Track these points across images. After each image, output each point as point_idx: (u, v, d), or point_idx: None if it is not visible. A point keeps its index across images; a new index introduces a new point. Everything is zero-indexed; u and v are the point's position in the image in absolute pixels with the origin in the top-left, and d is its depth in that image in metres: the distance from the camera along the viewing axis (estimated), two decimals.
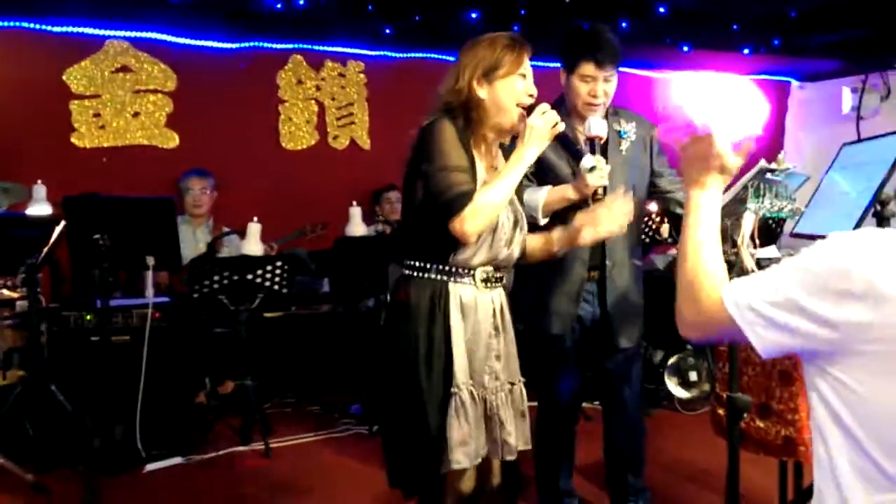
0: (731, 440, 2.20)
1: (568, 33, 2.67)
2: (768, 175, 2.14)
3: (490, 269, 2.06)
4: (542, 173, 2.61)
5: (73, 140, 5.00)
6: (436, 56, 5.62)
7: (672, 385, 4.43)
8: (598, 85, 2.58)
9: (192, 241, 4.75)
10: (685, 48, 5.78)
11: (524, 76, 2.04)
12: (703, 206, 1.44)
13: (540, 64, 7.10)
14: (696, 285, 1.35)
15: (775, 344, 1.24)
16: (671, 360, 4.45)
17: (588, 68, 2.57)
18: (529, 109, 2.02)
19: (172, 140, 5.24)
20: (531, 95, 2.05)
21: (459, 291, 2.01)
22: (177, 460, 3.72)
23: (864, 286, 1.15)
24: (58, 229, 3.62)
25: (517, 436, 2.09)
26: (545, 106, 2.01)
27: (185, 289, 4.15)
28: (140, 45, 5.16)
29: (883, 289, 1.14)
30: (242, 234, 4.33)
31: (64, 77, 4.98)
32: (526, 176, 2.59)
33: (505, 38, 2.05)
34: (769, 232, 4.89)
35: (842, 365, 1.21)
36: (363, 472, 3.54)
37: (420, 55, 5.70)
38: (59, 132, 4.97)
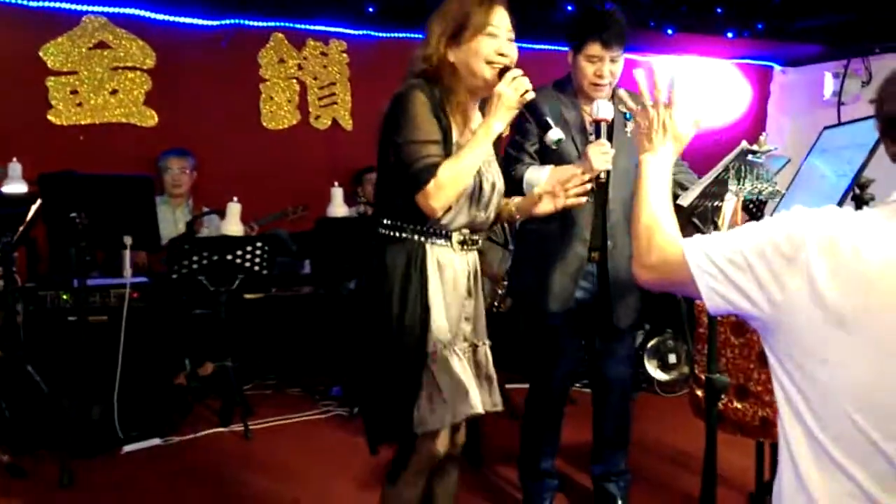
0: (708, 421, 2.21)
1: (575, 13, 2.67)
2: (749, 157, 2.13)
3: (466, 231, 2.03)
4: (546, 151, 2.62)
5: (49, 117, 4.92)
6: (419, 36, 5.55)
7: (651, 368, 4.46)
8: (604, 65, 2.59)
9: (172, 221, 4.71)
10: (669, 31, 5.77)
11: (493, 35, 1.94)
12: (653, 168, 1.55)
13: (525, 46, 7.06)
14: (655, 229, 1.42)
15: (723, 299, 1.27)
16: (651, 343, 4.48)
17: (594, 48, 2.58)
18: (501, 74, 1.93)
19: (151, 118, 5.16)
20: (502, 55, 1.95)
21: (437, 252, 1.99)
22: (155, 442, 3.70)
23: (806, 264, 1.17)
24: (34, 207, 3.56)
25: (482, 398, 2.05)
26: (516, 72, 1.92)
27: (163, 269, 4.11)
28: (118, 21, 5.07)
29: (816, 277, 1.16)
30: (222, 214, 4.29)
31: (40, 53, 4.89)
32: (528, 153, 2.62)
33: None
34: (750, 215, 4.92)
35: (783, 342, 1.22)
36: (343, 454, 3.53)
37: (403, 35, 5.65)
38: (35, 109, 4.88)
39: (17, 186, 4.09)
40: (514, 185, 2.61)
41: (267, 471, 3.41)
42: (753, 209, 5.04)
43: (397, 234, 1.98)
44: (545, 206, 2.15)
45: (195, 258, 3.82)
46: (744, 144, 2.08)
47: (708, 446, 2.20)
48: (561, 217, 2.57)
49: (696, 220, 2.19)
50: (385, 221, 2.00)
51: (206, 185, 5.03)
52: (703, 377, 2.49)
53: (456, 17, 1.95)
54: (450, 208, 1.93)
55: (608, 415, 2.88)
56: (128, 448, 3.60)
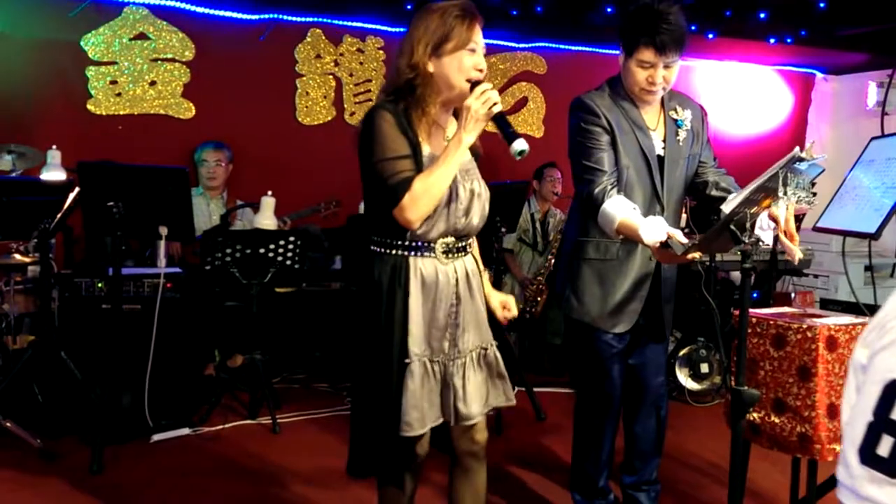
0: (734, 433, 2.15)
1: (630, 12, 2.48)
2: (796, 164, 2.06)
3: (451, 239, 2.08)
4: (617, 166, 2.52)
5: (89, 107, 4.98)
6: None
7: (683, 377, 4.40)
8: (657, 72, 2.42)
9: (206, 213, 4.74)
10: (710, 35, 5.69)
11: (474, 50, 2.01)
12: None
13: (563, 47, 6.96)
14: None
15: None
16: (682, 352, 4.41)
17: (647, 54, 2.40)
18: (473, 88, 1.98)
19: (189, 111, 5.20)
20: (480, 70, 2.01)
21: (420, 265, 2.05)
22: (184, 431, 3.72)
23: None
24: (72, 195, 3.60)
25: (488, 397, 2.16)
26: (486, 85, 1.96)
27: (197, 260, 4.13)
28: (159, 13, 5.12)
29: None
30: (256, 207, 4.31)
31: (81, 43, 4.95)
32: (605, 171, 2.47)
33: (456, 9, 2.01)
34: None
35: None
36: None
37: None
38: (75, 98, 4.95)
39: (55, 174, 4.13)
40: (591, 205, 2.46)
41: (293, 464, 3.41)
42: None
43: (383, 250, 2.07)
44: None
45: (228, 250, 3.84)
46: (796, 151, 2.00)
47: (733, 459, 2.15)
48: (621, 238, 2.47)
49: (733, 227, 2.10)
50: (373, 238, 2.09)
51: (240, 179, 5.06)
52: None
53: (438, 30, 2.00)
54: (427, 218, 2.00)
55: (643, 424, 2.83)
56: (157, 437, 3.63)
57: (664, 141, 2.58)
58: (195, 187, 4.73)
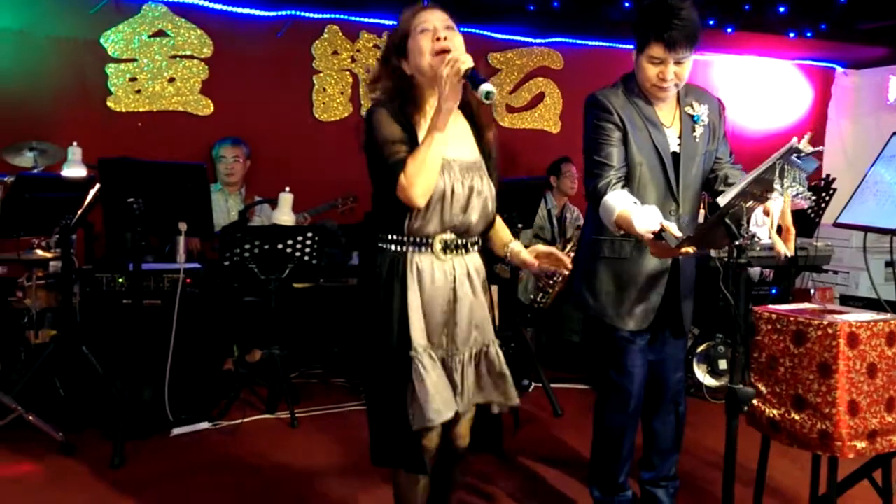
0: (729, 431, 2.14)
1: (643, 7, 2.47)
2: (793, 157, 2.02)
3: (450, 236, 2.10)
4: (629, 166, 2.50)
5: (108, 103, 5.02)
6: (473, 30, 5.53)
7: (701, 373, 4.38)
8: (667, 68, 2.40)
9: (225, 209, 4.77)
10: (729, 30, 5.65)
11: (426, 30, 2.07)
12: None
13: (580, 42, 6.93)
14: None
15: None
16: (700, 348, 4.39)
17: (657, 50, 2.38)
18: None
19: (207, 107, 5.24)
20: (441, 40, 2.05)
21: (417, 260, 2.09)
22: (203, 425, 3.76)
23: None
24: (92, 191, 3.64)
25: (482, 396, 2.19)
26: (455, 54, 2.00)
27: (216, 256, 4.16)
28: (177, 10, 5.15)
29: None
30: (274, 203, 4.33)
31: (101, 40, 4.99)
32: (613, 166, 2.46)
33: (404, 11, 2.13)
34: (807, 221, 4.79)
35: None
36: None
37: (457, 28, 5.63)
38: (95, 95, 4.99)
39: (76, 170, 4.17)
40: (595, 198, 2.46)
41: (311, 459, 3.44)
42: (812, 215, 4.89)
43: (384, 246, 2.11)
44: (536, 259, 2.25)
45: (247, 246, 3.86)
46: (794, 141, 1.96)
47: (727, 457, 2.15)
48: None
49: (728, 221, 2.05)
50: (378, 234, 2.14)
51: (258, 175, 5.08)
52: (760, 387, 2.43)
53: (395, 35, 2.13)
54: (419, 213, 2.03)
55: (662, 420, 2.81)
56: (177, 431, 3.66)
57: (680, 137, 2.55)
58: (213, 183, 4.76)
